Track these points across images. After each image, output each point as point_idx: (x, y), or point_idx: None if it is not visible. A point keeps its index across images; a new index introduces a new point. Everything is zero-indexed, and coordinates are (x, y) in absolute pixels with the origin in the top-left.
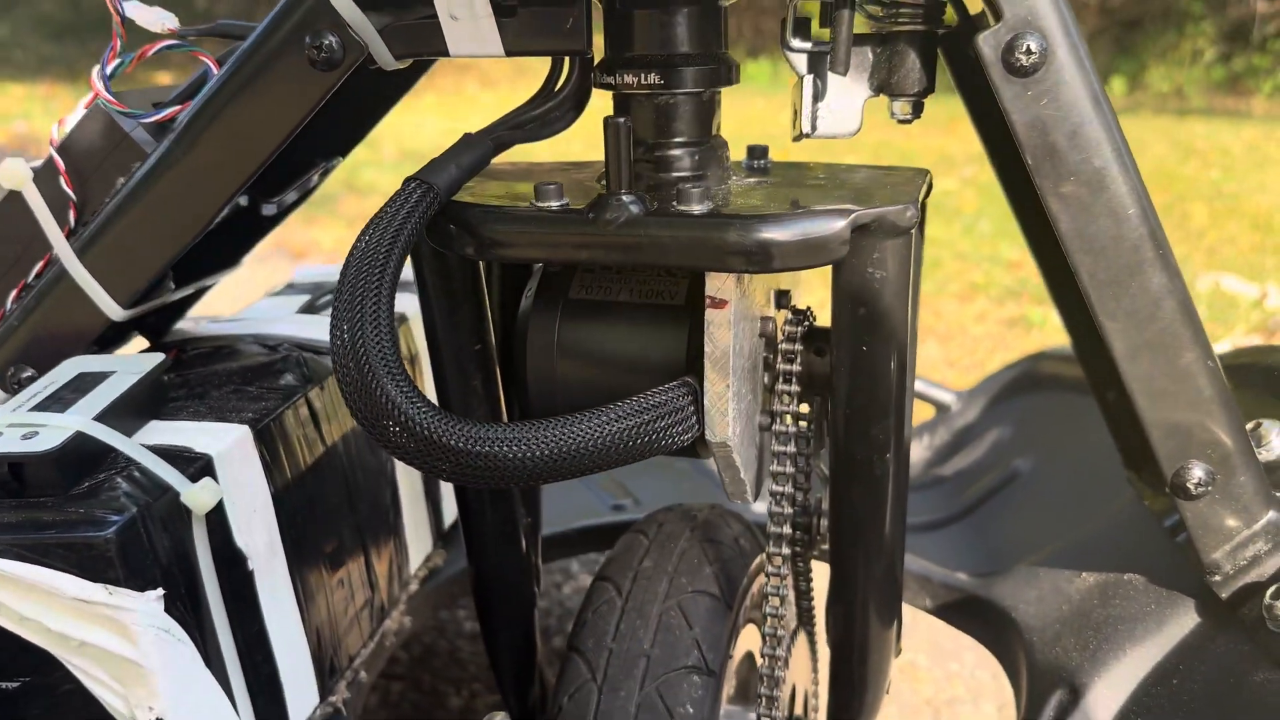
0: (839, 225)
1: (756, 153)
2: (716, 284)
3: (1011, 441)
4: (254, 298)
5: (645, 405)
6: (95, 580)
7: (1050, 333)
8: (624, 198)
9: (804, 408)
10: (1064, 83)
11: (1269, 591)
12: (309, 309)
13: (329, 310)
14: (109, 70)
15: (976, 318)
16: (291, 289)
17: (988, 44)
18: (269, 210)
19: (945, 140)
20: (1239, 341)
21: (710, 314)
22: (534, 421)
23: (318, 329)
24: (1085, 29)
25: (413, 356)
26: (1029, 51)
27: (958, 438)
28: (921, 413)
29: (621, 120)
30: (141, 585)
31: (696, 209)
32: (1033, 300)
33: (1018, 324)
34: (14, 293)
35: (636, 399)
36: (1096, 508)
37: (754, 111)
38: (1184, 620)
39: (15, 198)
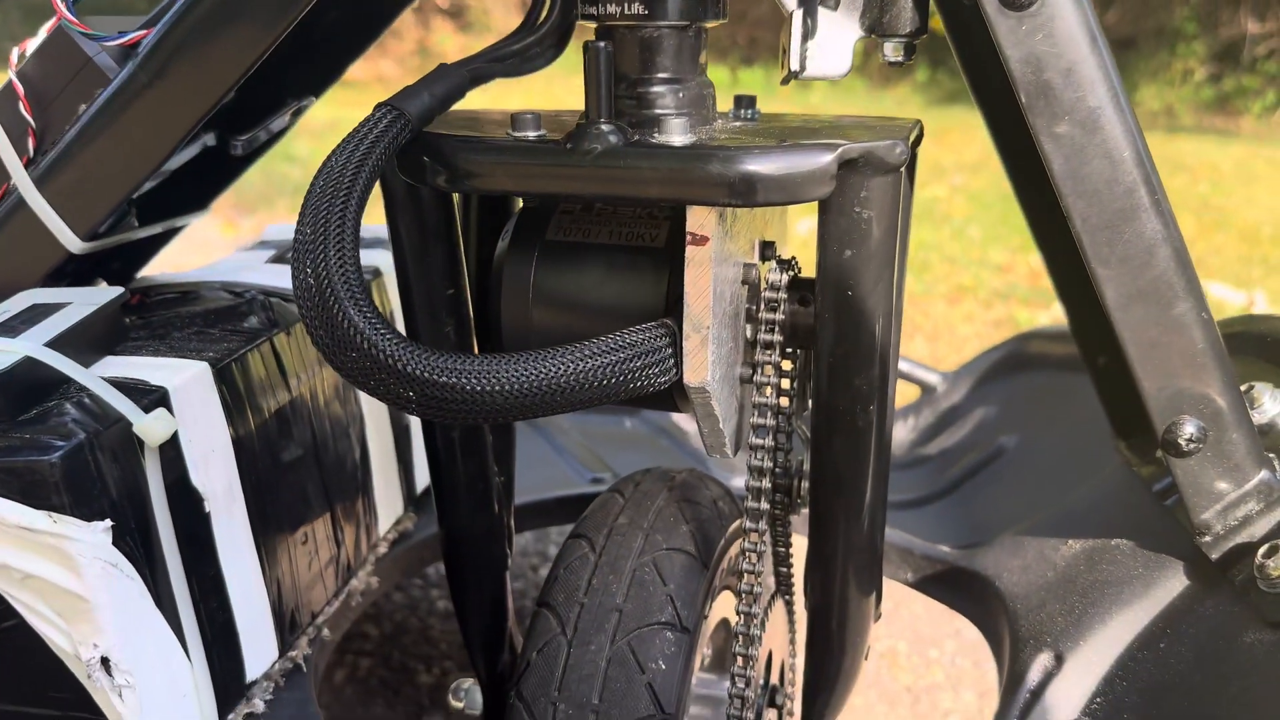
0: (826, 159)
1: (744, 102)
2: (698, 219)
3: (997, 420)
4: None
5: (621, 343)
6: (39, 508)
7: None
8: (603, 127)
9: (786, 365)
10: (1060, 18)
11: (1260, 551)
12: (279, 260)
13: None
14: None
15: (964, 318)
16: (263, 245)
17: None
18: (238, 150)
19: (936, 150)
20: None
21: (691, 251)
22: (505, 354)
23: (288, 278)
24: None
25: (389, 315)
26: None
27: (943, 418)
28: (907, 394)
29: (602, 45)
30: (88, 515)
31: (678, 140)
32: (1020, 303)
33: (1005, 324)
34: None
35: (612, 336)
36: (1082, 479)
37: None
38: (1172, 583)
39: None
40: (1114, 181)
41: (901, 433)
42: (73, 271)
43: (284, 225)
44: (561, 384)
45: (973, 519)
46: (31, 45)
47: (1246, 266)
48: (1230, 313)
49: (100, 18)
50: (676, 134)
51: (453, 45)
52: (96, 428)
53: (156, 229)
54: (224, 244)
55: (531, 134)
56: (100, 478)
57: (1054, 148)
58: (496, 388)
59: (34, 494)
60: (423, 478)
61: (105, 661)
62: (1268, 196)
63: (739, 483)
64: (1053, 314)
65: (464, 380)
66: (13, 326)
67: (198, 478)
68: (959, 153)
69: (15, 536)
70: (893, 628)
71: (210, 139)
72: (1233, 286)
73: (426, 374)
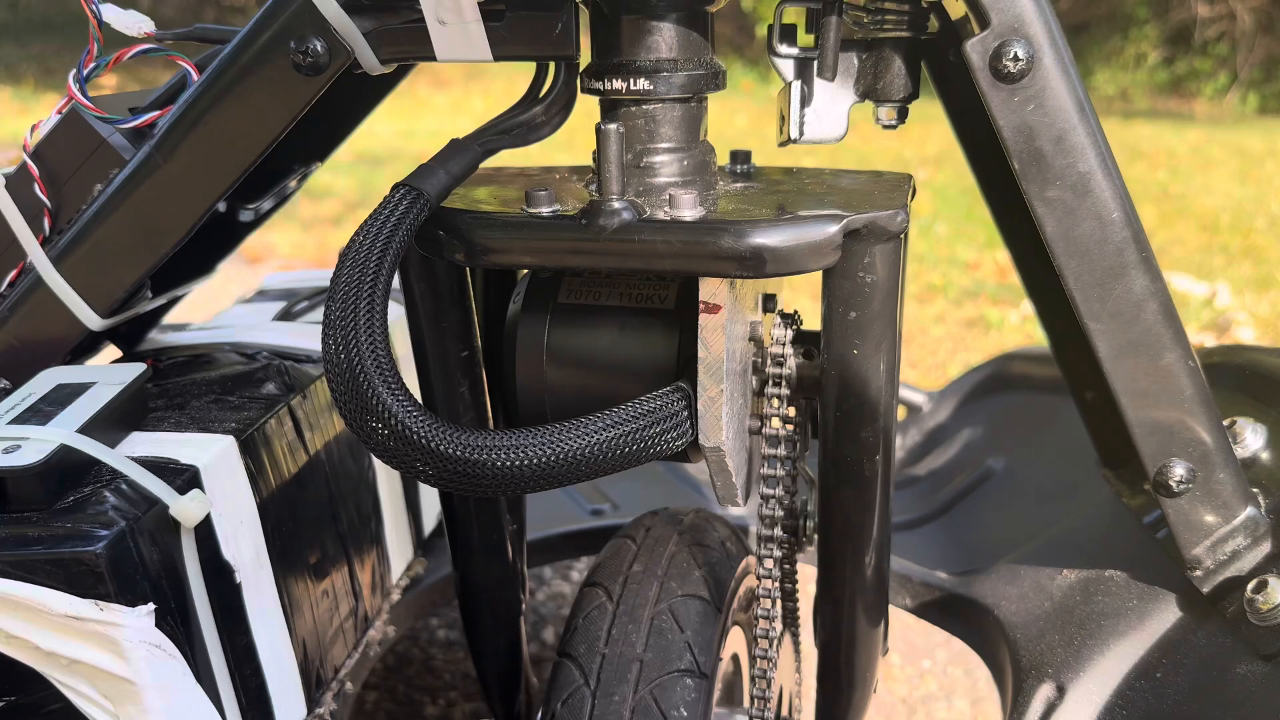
0: (832, 230)
1: (740, 158)
2: (710, 289)
3: (984, 441)
4: (212, 302)
5: (640, 411)
6: (84, 596)
7: (1008, 333)
8: (615, 204)
9: (791, 411)
10: (1050, 88)
11: (1249, 586)
12: (285, 316)
13: (306, 318)
14: (85, 74)
15: (936, 319)
16: (263, 296)
17: (975, 51)
18: (246, 217)
19: (899, 143)
20: (1192, 339)
21: (704, 319)
22: (531, 429)
23: (296, 337)
24: None
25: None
26: (1016, 58)
27: (929, 438)
28: None
29: (614, 126)
30: (131, 600)
31: (688, 215)
32: (990, 301)
33: (976, 324)
34: None
35: (630, 405)
36: (1072, 505)
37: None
38: (1166, 615)
39: None
40: (1104, 241)
41: None
42: (86, 341)
43: (282, 275)
44: (584, 455)
45: (966, 543)
46: (44, 126)
47: (1208, 256)
48: (1194, 306)
49: (109, 96)
50: (686, 209)
51: None
52: (135, 513)
53: (165, 299)
54: None
55: (545, 210)
56: (142, 562)
57: (1046, 211)
58: (523, 463)
59: (79, 583)
60: (430, 521)
61: None
62: (1224, 183)
63: (741, 511)
64: (1022, 311)
65: (492, 457)
66: (43, 410)
67: (229, 551)
68: (920, 146)
69: (62, 624)
70: None
71: (220, 206)
72: (1195, 278)
73: (457, 452)
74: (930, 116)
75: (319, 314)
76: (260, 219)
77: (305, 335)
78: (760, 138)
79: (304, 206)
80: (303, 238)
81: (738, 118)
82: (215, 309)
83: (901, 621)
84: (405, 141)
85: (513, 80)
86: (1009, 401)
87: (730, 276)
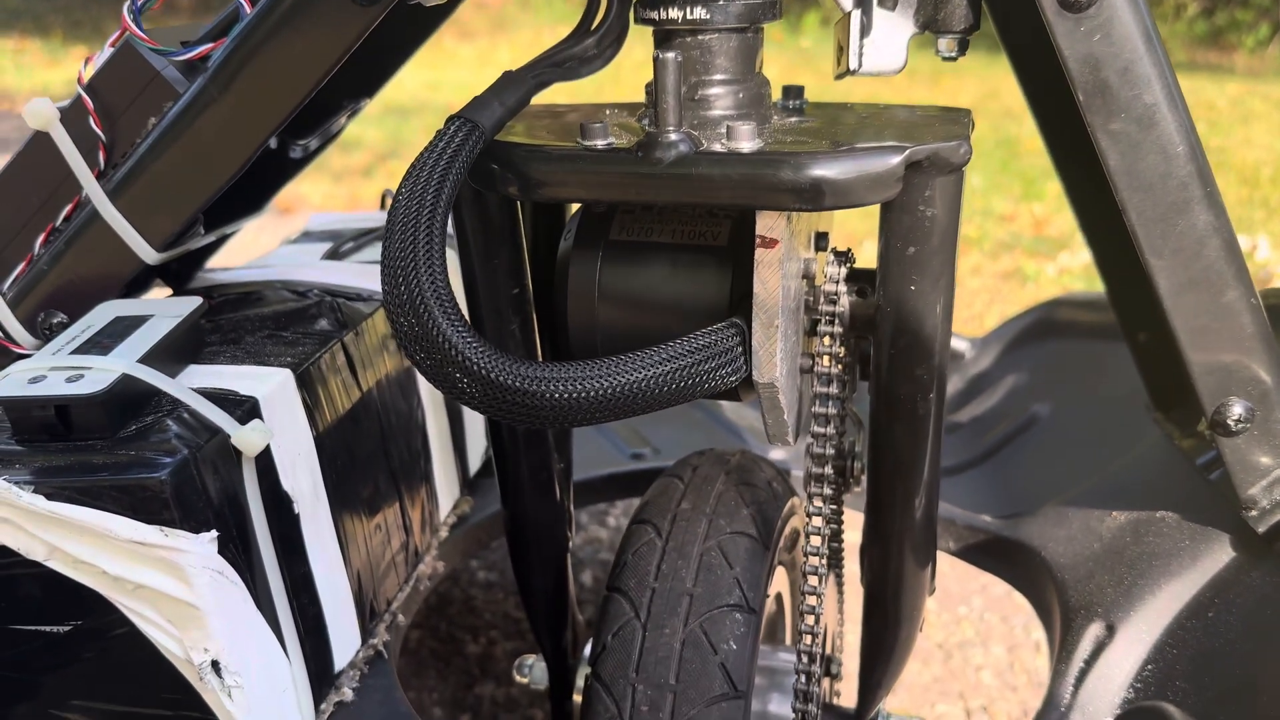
0: (894, 161)
1: (792, 93)
2: (768, 223)
3: (1029, 387)
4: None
5: (695, 346)
6: (149, 522)
7: (1044, 286)
8: (672, 135)
9: (842, 350)
10: (1116, 18)
11: None
12: (334, 256)
13: (355, 257)
14: (139, 5)
15: (971, 271)
16: (309, 237)
17: None
18: (296, 153)
19: (931, 94)
20: None
21: (760, 254)
22: (589, 362)
23: (346, 275)
24: None
25: None
26: None
27: (972, 385)
28: None
29: (672, 55)
30: (194, 527)
31: (746, 147)
32: (1026, 254)
33: (1012, 277)
34: (42, 236)
35: (686, 339)
36: (1120, 450)
37: None
38: (1219, 555)
39: (42, 139)
40: (1168, 176)
41: None
42: (138, 277)
43: (326, 215)
44: (641, 389)
45: (1011, 488)
46: (98, 59)
47: (1248, 210)
48: None
49: (161, 29)
50: (744, 140)
51: None
52: (198, 442)
53: (217, 234)
54: None
55: (600, 143)
56: (204, 490)
57: (1110, 144)
58: (582, 395)
59: (145, 509)
60: (475, 461)
61: (215, 665)
62: (1265, 136)
63: (780, 454)
64: (1059, 264)
65: (552, 389)
66: (102, 342)
67: (287, 482)
68: (954, 97)
69: (128, 550)
70: None
71: (272, 142)
72: (1236, 233)
73: (517, 383)
74: (963, 69)
75: (366, 254)
76: (310, 156)
77: (356, 274)
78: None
79: (334, 158)
80: (334, 189)
81: (768, 68)
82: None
83: (939, 568)
84: (432, 93)
85: (539, 31)
86: (1054, 348)
87: (789, 210)
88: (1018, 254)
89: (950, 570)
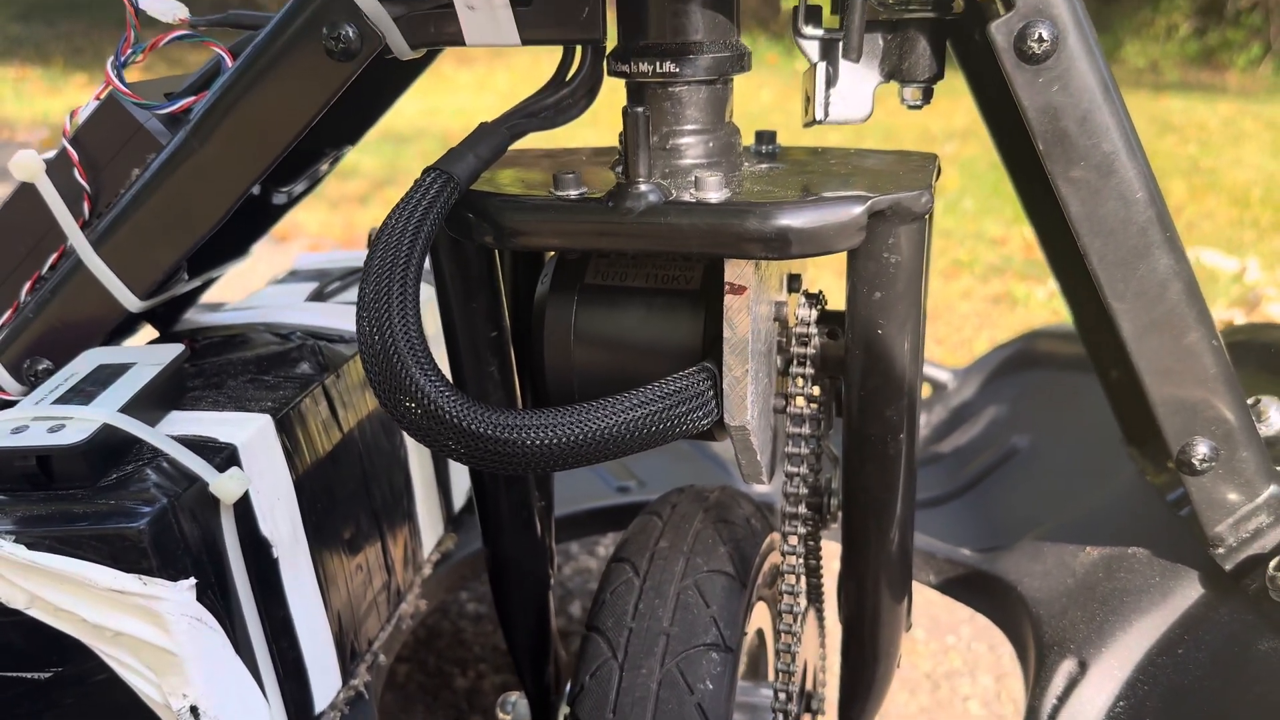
0: (856, 211)
1: (765, 138)
2: (735, 270)
3: (1009, 419)
4: (242, 278)
5: (666, 391)
6: (128, 571)
7: (1034, 310)
8: (642, 186)
9: (816, 389)
10: (1074, 70)
11: (1272, 563)
12: (318, 296)
13: (339, 298)
14: (122, 61)
15: (962, 294)
16: (295, 276)
17: (1000, 32)
18: (279, 199)
19: (926, 118)
20: (1220, 315)
21: (729, 300)
22: (560, 408)
23: (329, 317)
24: None
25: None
26: (1040, 39)
27: (955, 415)
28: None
29: (640, 110)
30: (173, 575)
31: (714, 197)
32: (1017, 277)
33: (1002, 300)
34: (28, 285)
35: (657, 385)
36: (1096, 483)
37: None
38: (1188, 592)
39: (28, 190)
40: (1128, 221)
41: None
42: (124, 322)
43: (313, 255)
44: (612, 434)
45: (991, 520)
46: (83, 112)
47: (1238, 230)
48: (1224, 282)
49: (144, 82)
50: (712, 191)
51: None
52: (176, 490)
53: (200, 281)
54: None
55: (573, 193)
56: (183, 538)
57: (1070, 191)
58: (555, 442)
59: (124, 558)
60: (460, 497)
61: (194, 710)
62: (1256, 156)
63: (766, 489)
64: (1049, 287)
65: (526, 436)
66: (85, 390)
67: (266, 527)
68: (948, 119)
69: (107, 598)
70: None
71: (254, 190)
72: (1225, 253)
73: (487, 430)
74: (957, 90)
75: (351, 294)
76: (293, 201)
77: (338, 315)
78: (785, 113)
79: (331, 185)
80: (330, 216)
81: (763, 92)
82: (245, 284)
83: (926, 598)
84: (430, 119)
85: (537, 57)
86: (1035, 379)
87: (755, 258)
88: (1009, 277)
89: (939, 600)
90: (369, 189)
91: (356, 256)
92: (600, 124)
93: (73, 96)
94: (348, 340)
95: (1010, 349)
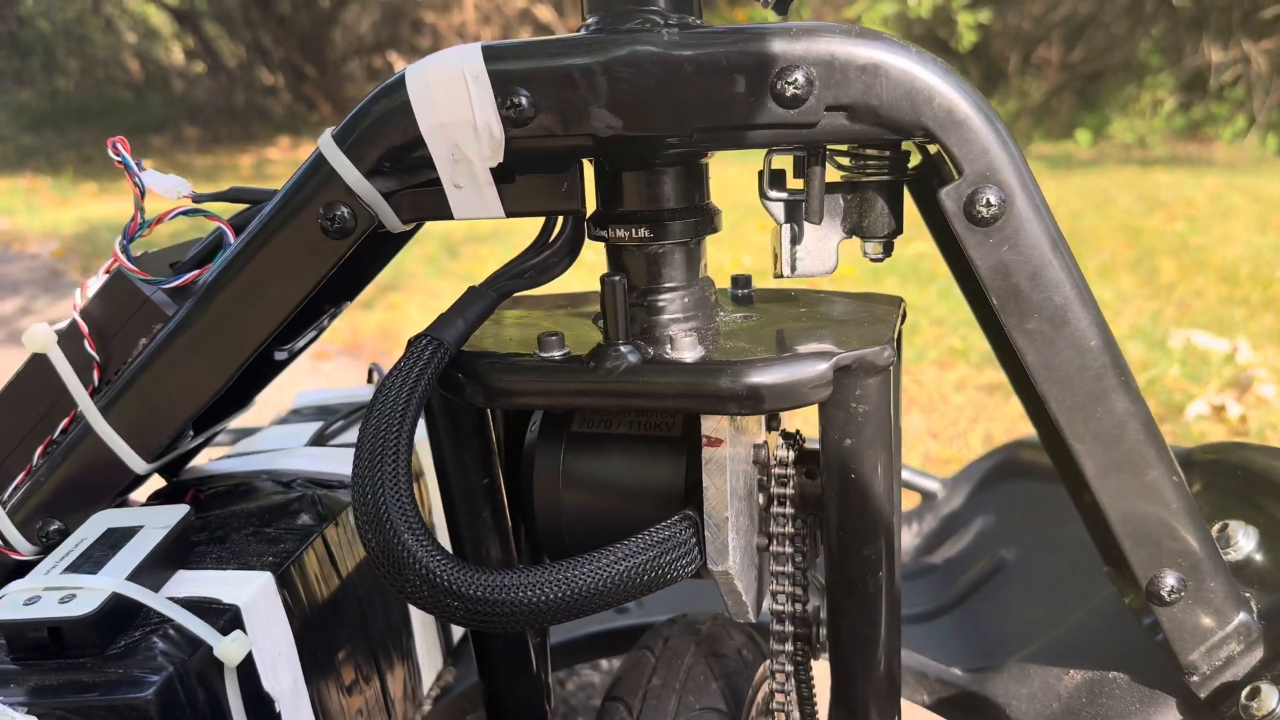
0: (822, 368)
1: (740, 282)
2: (712, 424)
3: (996, 530)
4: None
5: (650, 542)
6: None
7: None
8: (622, 348)
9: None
10: (1023, 230)
11: (1244, 691)
12: (319, 439)
13: (339, 439)
14: (129, 240)
15: (956, 385)
16: (297, 416)
17: (950, 198)
18: (281, 356)
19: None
20: (1213, 399)
21: (707, 452)
22: (548, 566)
23: (328, 462)
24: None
25: (419, 474)
26: (989, 204)
27: (944, 525)
28: (909, 500)
29: (617, 279)
30: None
31: (689, 356)
32: None
33: (997, 390)
34: (40, 448)
35: (640, 537)
36: (1080, 601)
37: None
38: (1167, 718)
39: (41, 358)
40: (1084, 368)
41: (906, 539)
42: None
43: (313, 392)
44: (601, 589)
45: (981, 638)
46: (92, 285)
47: (1228, 309)
48: (1215, 363)
49: (150, 254)
50: (687, 350)
51: None
52: (182, 657)
53: (206, 437)
54: None
55: (557, 354)
56: (189, 703)
57: (1026, 342)
58: (542, 599)
59: None
60: (459, 629)
61: None
62: (1243, 231)
63: None
64: None
65: (514, 595)
66: (94, 556)
67: (268, 683)
68: None
69: None
70: None
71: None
72: (1215, 335)
73: (479, 593)
74: None
75: (350, 435)
76: (294, 356)
77: (337, 460)
78: None
79: None
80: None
81: None
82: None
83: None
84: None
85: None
86: (1020, 489)
87: (729, 414)
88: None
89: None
90: (373, 293)
91: (354, 394)
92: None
93: (83, 207)
94: (347, 485)
95: (995, 459)
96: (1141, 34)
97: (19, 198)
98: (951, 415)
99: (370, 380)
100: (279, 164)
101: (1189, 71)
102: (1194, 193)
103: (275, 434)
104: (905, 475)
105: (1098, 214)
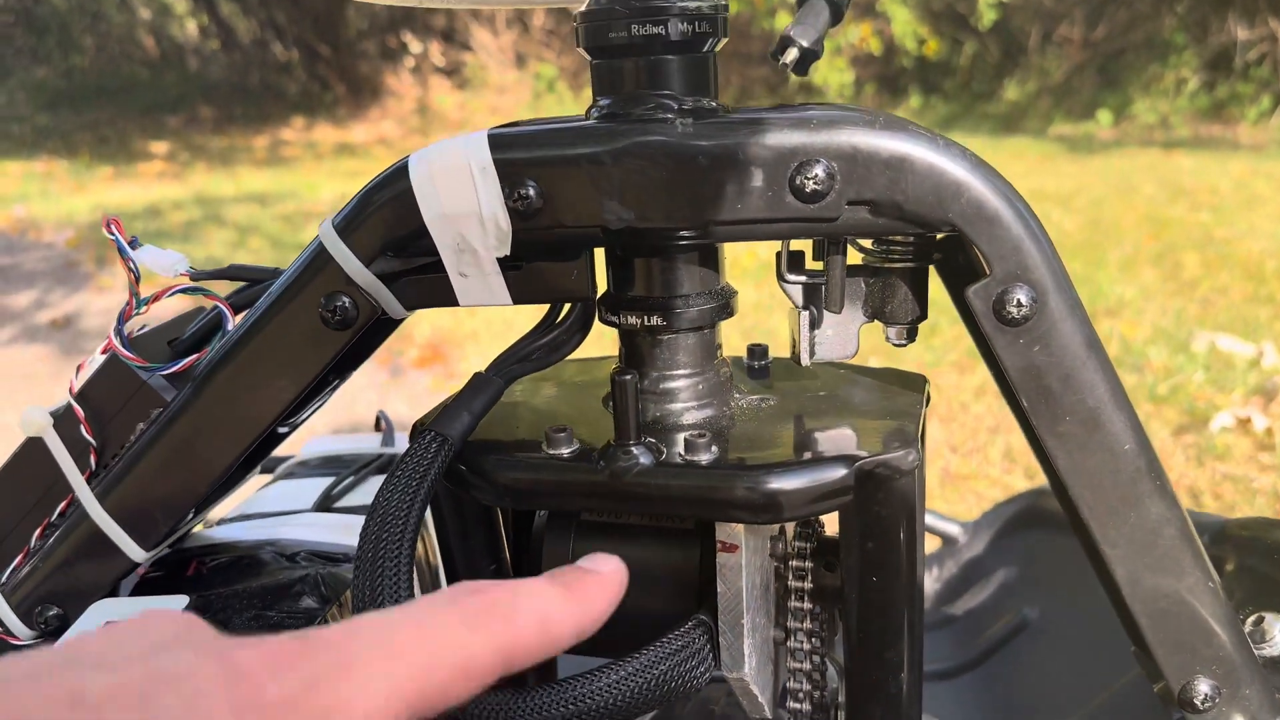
0: (843, 473)
1: (757, 354)
2: (727, 531)
3: (1019, 584)
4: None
5: (663, 654)
6: None
7: None
8: (633, 449)
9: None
10: (1056, 331)
11: None
12: (325, 501)
13: (346, 499)
14: (124, 324)
15: (976, 392)
16: (303, 468)
17: (978, 297)
18: (284, 430)
19: None
20: (1237, 407)
21: (722, 558)
22: (556, 685)
23: (334, 532)
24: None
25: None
26: (1019, 304)
27: (966, 572)
28: (929, 544)
29: (629, 378)
30: None
31: (703, 459)
32: None
33: None
34: (38, 531)
35: (654, 648)
36: (1109, 674)
37: None
38: None
39: (37, 441)
40: (1117, 472)
41: (927, 586)
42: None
43: (322, 441)
44: (616, 705)
45: (1003, 703)
46: (89, 367)
47: (1253, 307)
48: (1240, 369)
49: (149, 331)
50: (702, 451)
51: (451, 103)
52: None
53: (203, 518)
54: None
55: (565, 451)
56: None
57: (1057, 445)
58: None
59: None
60: None
61: None
62: (1270, 223)
63: None
64: None
65: (525, 716)
66: None
67: None
68: None
69: None
70: None
71: None
72: (1240, 338)
73: (482, 712)
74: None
75: (358, 495)
76: (294, 428)
77: (341, 530)
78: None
79: None
80: None
81: None
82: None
83: None
84: None
85: None
86: (1043, 541)
87: (744, 522)
88: None
89: None
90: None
91: (363, 444)
92: None
93: (98, 192)
94: (351, 559)
95: (1018, 505)
96: (1165, 11)
97: (35, 183)
98: (971, 426)
99: (378, 428)
100: (293, 145)
101: (1213, 50)
102: (1219, 179)
103: (280, 494)
104: (927, 520)
105: (1121, 202)
